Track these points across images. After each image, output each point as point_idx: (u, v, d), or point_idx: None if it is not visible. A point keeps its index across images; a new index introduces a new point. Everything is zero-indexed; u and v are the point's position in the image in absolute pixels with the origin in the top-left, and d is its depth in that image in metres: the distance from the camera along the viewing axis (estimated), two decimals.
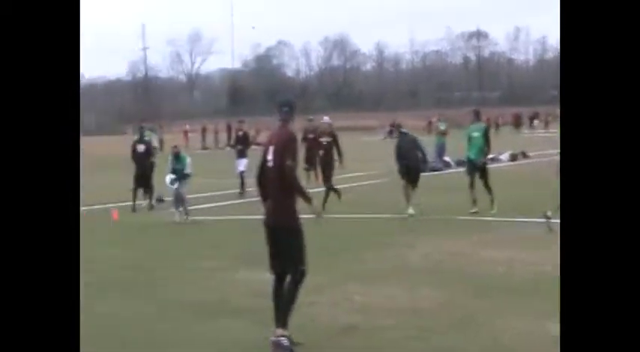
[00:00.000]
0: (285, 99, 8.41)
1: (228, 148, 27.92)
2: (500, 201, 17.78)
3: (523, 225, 15.70)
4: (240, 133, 26.30)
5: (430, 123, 35.59)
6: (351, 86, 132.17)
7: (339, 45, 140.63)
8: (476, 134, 18.13)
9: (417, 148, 18.71)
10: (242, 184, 24.40)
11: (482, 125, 18.94)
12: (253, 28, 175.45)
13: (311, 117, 27.97)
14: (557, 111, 62.33)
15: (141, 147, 22.76)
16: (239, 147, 25.50)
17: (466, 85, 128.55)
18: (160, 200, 22.48)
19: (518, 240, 13.84)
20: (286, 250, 7.90)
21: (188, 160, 19.20)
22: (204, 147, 62.15)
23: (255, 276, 11.23)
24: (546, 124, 78.24)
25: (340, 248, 13.57)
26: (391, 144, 19.44)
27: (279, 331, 7.85)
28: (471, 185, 17.88)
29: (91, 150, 59.27)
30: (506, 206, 17.54)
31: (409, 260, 12.60)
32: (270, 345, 7.89)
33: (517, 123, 77.70)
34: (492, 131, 28.18)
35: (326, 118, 21.65)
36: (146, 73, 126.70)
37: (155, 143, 26.21)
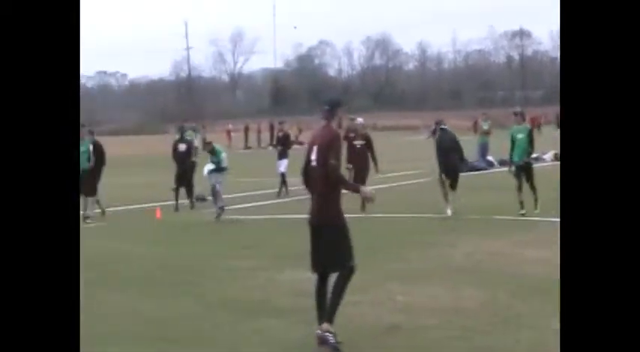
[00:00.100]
0: (327, 98, 8.40)
1: (271, 148, 28.06)
2: (542, 201, 17.63)
3: None
4: (281, 134, 26.35)
5: (476, 123, 35.44)
6: (393, 86, 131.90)
7: (382, 44, 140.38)
8: (520, 136, 17.85)
9: (457, 147, 18.59)
10: (283, 185, 24.41)
11: (526, 126, 18.70)
12: (295, 27, 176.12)
13: (353, 116, 27.91)
14: None
15: (182, 147, 22.88)
16: (279, 147, 25.54)
17: (509, 84, 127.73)
18: (202, 199, 22.57)
19: (559, 241, 13.70)
20: (332, 248, 7.89)
21: (223, 155, 19.09)
22: (247, 147, 62.40)
23: (297, 276, 11.25)
24: None
25: (382, 247, 13.54)
26: (434, 144, 19.31)
27: (325, 326, 7.87)
28: (519, 188, 17.57)
29: (133, 149, 59.85)
30: (549, 206, 17.39)
31: (451, 259, 12.55)
32: (315, 339, 7.92)
33: (560, 122, 76.97)
34: (535, 130, 27.92)
35: (359, 119, 21.08)
36: (189, 73, 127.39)
37: (196, 143, 26.31)
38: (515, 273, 11.14)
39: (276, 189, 24.50)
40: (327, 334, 7.83)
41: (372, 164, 19.63)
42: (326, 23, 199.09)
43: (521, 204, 17.34)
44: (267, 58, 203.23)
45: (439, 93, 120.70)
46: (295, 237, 15.28)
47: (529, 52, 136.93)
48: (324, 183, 7.87)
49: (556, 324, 5.56)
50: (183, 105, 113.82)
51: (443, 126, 19.35)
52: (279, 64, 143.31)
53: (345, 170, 20.37)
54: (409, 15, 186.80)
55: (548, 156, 34.91)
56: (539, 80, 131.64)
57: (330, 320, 7.88)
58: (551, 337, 7.99)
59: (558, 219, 15.99)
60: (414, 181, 26.65)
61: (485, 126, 35.14)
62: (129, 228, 18.57)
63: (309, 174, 8.14)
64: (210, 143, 20.06)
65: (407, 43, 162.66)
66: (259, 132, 65.31)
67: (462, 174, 27.50)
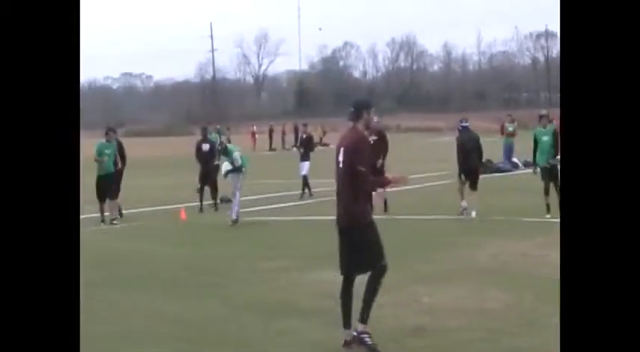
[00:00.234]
0: (353, 100, 8.39)
1: (295, 149, 28.19)
2: None
3: None
4: (304, 136, 26.33)
5: (503, 126, 35.30)
6: (417, 87, 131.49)
7: (406, 46, 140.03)
8: (545, 138, 17.58)
9: (477, 148, 18.48)
10: (305, 187, 24.41)
11: (551, 127, 18.33)
12: (320, 29, 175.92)
13: (377, 118, 27.84)
14: None
15: (205, 147, 22.94)
16: (302, 149, 25.53)
17: (534, 85, 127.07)
18: (227, 200, 22.59)
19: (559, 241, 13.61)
20: (362, 249, 7.90)
21: (236, 153, 18.71)
22: (271, 149, 62.51)
23: (322, 277, 11.25)
24: None
25: (407, 248, 13.50)
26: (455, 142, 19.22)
27: (361, 327, 7.90)
28: (546, 191, 17.22)
29: (160, 150, 60.10)
30: None
31: (476, 261, 12.52)
32: (345, 340, 7.95)
33: (561, 122, 76.44)
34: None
35: (375, 118, 21.14)
36: (214, 75, 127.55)
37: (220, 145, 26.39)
38: (541, 275, 11.09)
39: (299, 191, 24.50)
40: (363, 335, 7.86)
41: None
42: (351, 25, 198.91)
43: (548, 207, 17.08)
44: (291, 59, 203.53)
45: (464, 94, 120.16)
46: (319, 238, 15.31)
47: (554, 53, 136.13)
48: (350, 185, 7.87)
49: None
50: (208, 107, 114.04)
51: (464, 124, 19.13)
52: (303, 66, 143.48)
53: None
54: (434, 16, 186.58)
55: None
56: None
57: (365, 321, 7.91)
58: None
59: None
60: (439, 183, 26.54)
61: (510, 128, 35.00)
62: (154, 229, 18.64)
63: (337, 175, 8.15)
64: (221, 143, 20.04)
65: (431, 45, 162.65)
66: (284, 133, 65.38)
67: (486, 176, 27.50)
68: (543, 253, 12.71)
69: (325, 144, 60.91)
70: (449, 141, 19.10)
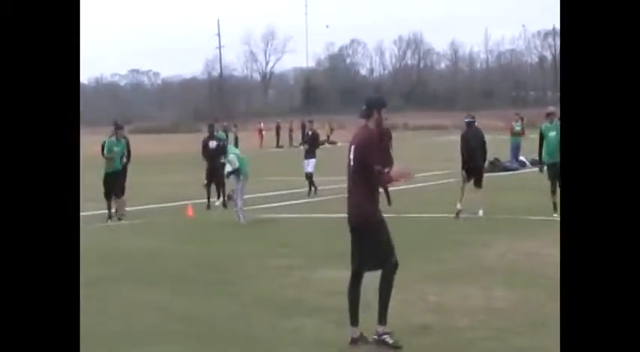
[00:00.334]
0: (366, 98, 8.42)
1: (302, 147, 28.23)
2: None
3: None
4: (310, 133, 26.28)
5: (511, 125, 35.30)
6: (425, 85, 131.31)
7: (413, 44, 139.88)
8: (552, 133, 17.35)
9: (482, 146, 18.39)
10: (311, 185, 24.40)
11: (559, 124, 18.06)
12: (327, 26, 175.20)
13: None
14: None
15: (212, 144, 22.94)
16: (307, 146, 25.51)
17: (541, 84, 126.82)
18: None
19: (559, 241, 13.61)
20: (372, 247, 7.93)
21: (231, 156, 18.62)
22: (278, 146, 62.51)
23: (330, 275, 11.27)
24: None
25: (414, 247, 13.51)
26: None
27: (381, 328, 7.94)
28: (553, 191, 17.08)
29: (168, 147, 60.16)
30: None
31: (484, 260, 12.53)
32: (359, 338, 8.01)
33: (561, 121, 76.21)
34: None
35: None
36: (221, 72, 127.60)
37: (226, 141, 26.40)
38: (548, 274, 11.07)
39: (306, 188, 24.51)
40: (384, 336, 7.90)
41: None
42: (358, 22, 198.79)
43: (555, 206, 16.98)
44: (298, 57, 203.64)
45: (471, 93, 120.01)
46: (328, 236, 15.34)
47: None
48: (361, 183, 7.92)
49: None
50: (215, 104, 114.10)
51: (468, 119, 19.04)
52: (310, 63, 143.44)
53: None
54: (441, 14, 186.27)
55: None
56: None
57: (384, 321, 7.95)
58: None
59: None
60: (445, 181, 26.55)
61: (518, 127, 34.97)
62: (161, 225, 18.67)
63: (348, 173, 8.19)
64: (223, 143, 19.98)
65: (439, 43, 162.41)
66: (291, 131, 65.32)
67: (494, 175, 27.52)
68: (551, 252, 12.69)
69: (332, 142, 60.91)
70: (455, 140, 19.03)
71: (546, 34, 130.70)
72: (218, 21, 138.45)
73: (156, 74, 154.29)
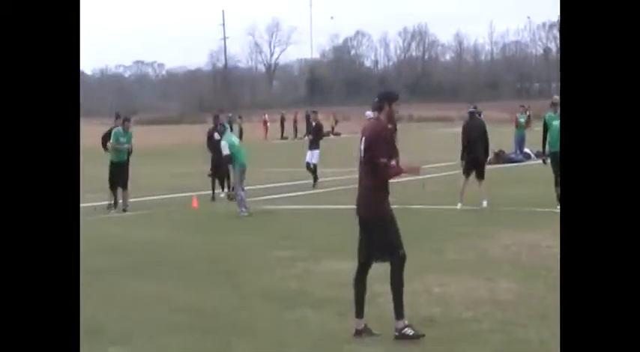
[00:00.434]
0: (378, 91, 8.43)
1: (306, 138, 28.29)
2: None
3: None
4: (314, 124, 26.22)
5: (516, 118, 35.23)
6: (429, 77, 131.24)
7: (418, 35, 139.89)
8: (556, 122, 16.90)
9: (484, 138, 18.33)
10: (313, 175, 24.36)
11: None
12: (332, 18, 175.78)
13: (371, 113, 27.79)
14: None
15: (217, 135, 22.90)
16: (311, 137, 25.46)
17: (546, 75, 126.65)
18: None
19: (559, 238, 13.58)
20: (380, 238, 7.93)
21: (223, 142, 18.53)
22: (283, 137, 62.51)
23: (334, 266, 11.28)
24: None
25: (418, 239, 13.47)
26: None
27: (400, 323, 7.91)
28: (557, 182, 16.94)
29: (173, 138, 60.17)
30: None
31: (488, 251, 12.51)
32: (363, 329, 8.02)
33: (561, 119, 76.01)
34: None
35: (368, 113, 21.12)
36: (226, 63, 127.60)
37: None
38: (552, 266, 11.03)
39: (311, 180, 24.48)
40: (404, 330, 7.87)
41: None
42: (363, 14, 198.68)
43: (558, 198, 16.98)
44: (303, 48, 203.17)
45: (476, 84, 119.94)
46: (331, 228, 15.35)
47: None
48: (370, 174, 7.92)
49: None
50: (220, 95, 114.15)
51: (471, 110, 18.96)
52: (315, 55, 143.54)
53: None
54: (445, 6, 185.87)
55: None
56: None
57: (400, 316, 7.91)
58: None
59: None
60: (449, 173, 26.52)
61: (522, 120, 34.94)
62: (166, 217, 18.68)
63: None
64: (222, 124, 19.87)
65: (443, 35, 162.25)
66: (295, 122, 65.32)
67: (498, 166, 27.50)
68: (555, 244, 12.66)
69: (337, 134, 60.94)
70: (460, 132, 18.95)
71: (551, 26, 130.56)
72: (223, 12, 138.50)
73: (160, 65, 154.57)
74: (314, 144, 24.86)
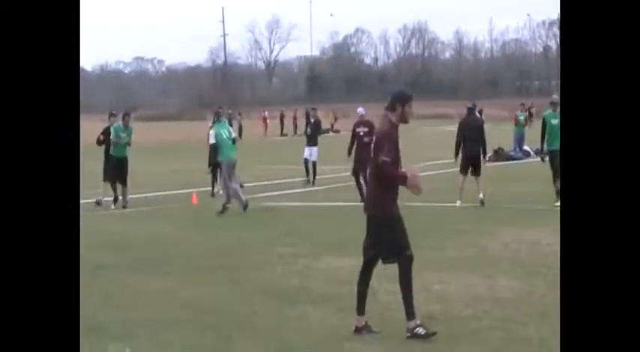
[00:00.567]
0: (393, 91, 8.43)
1: (306, 133, 28.37)
2: None
3: None
4: (313, 120, 26.19)
5: (516, 116, 35.25)
6: (429, 74, 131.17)
7: (418, 33, 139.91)
8: (555, 121, 17.06)
9: (481, 138, 18.32)
10: (313, 172, 24.34)
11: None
12: (332, 15, 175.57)
13: (363, 110, 27.83)
14: None
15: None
16: (309, 131, 25.43)
17: (546, 73, 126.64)
18: (239, 185, 22.58)
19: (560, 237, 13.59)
20: (386, 238, 7.95)
21: (211, 131, 18.41)
22: (283, 134, 62.50)
23: (334, 263, 11.30)
24: None
25: (417, 236, 13.41)
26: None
27: (411, 323, 7.89)
28: (556, 178, 17.01)
29: (173, 135, 60.16)
30: None
31: (488, 249, 12.53)
32: (363, 327, 8.03)
33: (561, 118, 76.01)
34: None
35: (360, 109, 21.21)
36: (225, 60, 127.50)
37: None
38: (552, 264, 11.06)
39: (310, 177, 24.47)
40: (417, 329, 7.85)
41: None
42: (362, 11, 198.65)
43: (558, 195, 17.04)
44: (303, 45, 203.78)
45: (475, 82, 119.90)
46: (332, 225, 15.36)
47: None
48: (376, 173, 7.95)
49: None
50: (220, 92, 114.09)
51: (469, 106, 18.94)
52: (315, 52, 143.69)
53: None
54: (446, 3, 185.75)
55: None
56: None
57: (411, 316, 7.90)
58: None
59: None
60: (449, 170, 26.51)
61: (522, 118, 35.01)
62: (166, 213, 18.69)
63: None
64: (217, 112, 19.76)
65: (443, 32, 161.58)
66: (295, 119, 65.33)
67: (498, 164, 27.51)
68: (555, 241, 12.68)
69: (336, 131, 60.91)
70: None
71: (551, 24, 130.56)
72: (223, 9, 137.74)
73: (160, 62, 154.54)
74: (312, 141, 24.86)
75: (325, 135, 45.50)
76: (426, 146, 38.22)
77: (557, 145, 17.01)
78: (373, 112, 20.85)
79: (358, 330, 8.05)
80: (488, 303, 9.13)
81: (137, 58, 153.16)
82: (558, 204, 16.73)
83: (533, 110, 38.91)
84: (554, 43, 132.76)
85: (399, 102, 8.07)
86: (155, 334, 8.35)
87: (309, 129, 25.71)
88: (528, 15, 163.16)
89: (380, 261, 8.12)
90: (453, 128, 19.20)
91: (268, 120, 65.31)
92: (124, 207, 19.74)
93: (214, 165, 22.28)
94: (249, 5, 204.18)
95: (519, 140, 33.88)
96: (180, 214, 18.38)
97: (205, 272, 11.40)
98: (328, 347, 7.83)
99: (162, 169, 30.66)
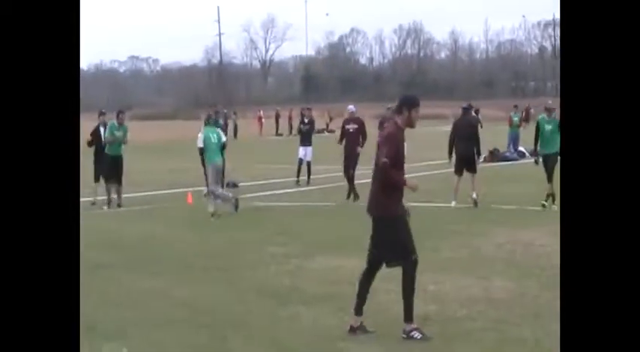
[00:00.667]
0: (401, 95, 8.47)
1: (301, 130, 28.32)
2: None
3: None
4: (307, 120, 26.18)
5: (511, 118, 35.35)
6: (424, 75, 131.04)
7: (413, 33, 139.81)
8: (548, 127, 17.33)
9: (475, 138, 18.33)
10: (308, 172, 24.31)
11: (555, 120, 17.74)
12: (327, 15, 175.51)
13: (389, 105, 27.87)
14: None
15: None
16: (304, 129, 25.41)
17: (541, 74, 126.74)
18: (234, 185, 22.60)
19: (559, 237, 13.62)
20: (389, 240, 7.96)
21: (200, 134, 18.23)
22: (278, 134, 62.45)
23: (328, 263, 11.30)
24: None
25: (413, 236, 13.52)
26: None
27: (408, 326, 7.92)
28: (550, 179, 17.07)
29: (168, 134, 60.10)
30: None
31: (482, 250, 12.54)
32: (358, 327, 8.06)
33: (561, 117, 76.18)
34: None
35: (351, 107, 21.33)
36: (221, 59, 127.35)
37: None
38: (547, 265, 11.11)
39: (305, 177, 24.44)
40: (412, 333, 7.88)
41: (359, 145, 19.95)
42: (358, 11, 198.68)
43: (548, 196, 17.09)
44: (298, 45, 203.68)
45: (471, 83, 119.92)
46: (326, 225, 15.36)
47: None
48: (378, 174, 7.97)
49: None
50: (215, 91, 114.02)
51: (464, 106, 18.98)
52: (310, 52, 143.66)
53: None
54: (441, 4, 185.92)
55: None
56: None
57: (409, 319, 7.93)
58: None
59: None
60: (443, 171, 26.52)
61: (516, 119, 35.12)
62: (160, 212, 18.67)
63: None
64: (209, 116, 19.64)
65: (439, 33, 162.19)
66: (290, 119, 65.24)
67: (493, 164, 27.53)
68: (549, 242, 12.72)
69: (331, 131, 60.86)
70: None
71: (546, 25, 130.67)
72: (218, 8, 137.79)
73: (155, 61, 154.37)
74: (306, 140, 24.84)
75: (320, 135, 45.52)
76: (421, 146, 38.17)
77: (550, 149, 17.16)
78: (369, 112, 20.87)
79: (353, 330, 8.06)
80: (483, 304, 9.14)
81: (132, 57, 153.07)
82: (546, 203, 16.82)
83: (531, 110, 38.94)
84: (549, 44, 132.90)
85: (407, 106, 8.12)
86: (149, 333, 8.35)
87: (302, 127, 25.66)
88: (524, 16, 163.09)
89: (384, 265, 8.12)
90: (449, 128, 19.19)
91: (263, 120, 65.22)
92: (119, 205, 19.72)
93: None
94: (244, 5, 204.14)
95: (514, 141, 33.98)
96: (176, 213, 18.37)
97: (200, 272, 11.39)
98: (322, 346, 7.83)
99: (157, 168, 30.62)
